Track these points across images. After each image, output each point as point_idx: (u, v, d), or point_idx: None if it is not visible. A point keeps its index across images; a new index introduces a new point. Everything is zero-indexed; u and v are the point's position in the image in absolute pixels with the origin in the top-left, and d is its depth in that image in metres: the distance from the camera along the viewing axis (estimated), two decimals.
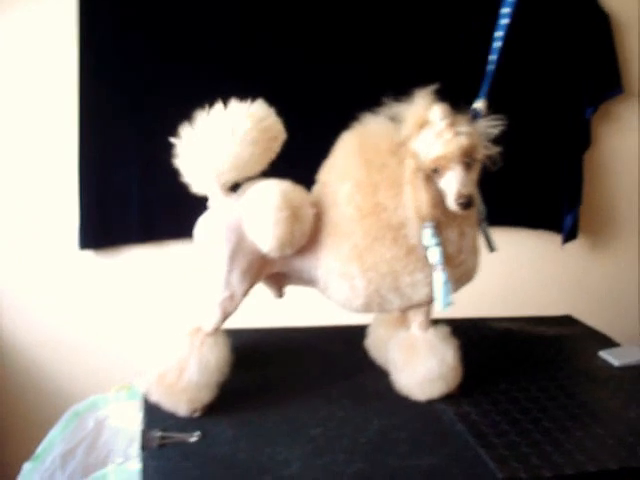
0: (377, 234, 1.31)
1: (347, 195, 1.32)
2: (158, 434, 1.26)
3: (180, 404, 1.32)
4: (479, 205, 1.40)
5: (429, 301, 1.40)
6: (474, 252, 1.42)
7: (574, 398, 1.50)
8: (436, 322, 1.47)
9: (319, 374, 1.58)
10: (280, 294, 1.48)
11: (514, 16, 1.38)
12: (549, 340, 1.84)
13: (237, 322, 1.39)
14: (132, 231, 2.22)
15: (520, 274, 2.50)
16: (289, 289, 1.50)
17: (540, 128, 2.38)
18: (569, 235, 2.49)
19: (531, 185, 2.43)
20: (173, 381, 1.30)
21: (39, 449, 1.55)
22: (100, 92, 2.11)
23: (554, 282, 2.62)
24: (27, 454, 1.57)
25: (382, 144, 1.32)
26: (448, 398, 1.45)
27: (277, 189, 1.28)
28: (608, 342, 1.84)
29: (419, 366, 1.41)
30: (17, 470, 1.54)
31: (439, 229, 1.33)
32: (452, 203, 1.28)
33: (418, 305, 1.41)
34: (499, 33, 1.38)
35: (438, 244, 1.32)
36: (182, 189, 1.38)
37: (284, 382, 1.53)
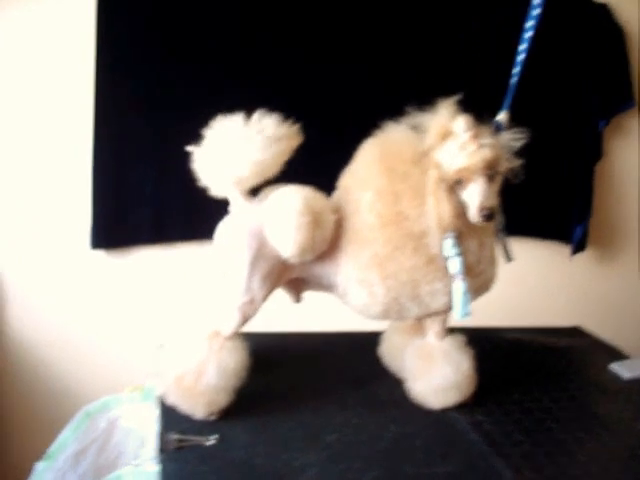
0: (398, 243, 1.32)
1: (369, 203, 1.33)
2: (175, 437, 1.27)
3: (197, 407, 1.33)
4: (498, 216, 1.41)
5: (447, 310, 1.41)
6: (492, 262, 1.43)
7: (586, 410, 1.51)
8: (451, 331, 1.47)
9: (333, 380, 1.59)
10: (298, 299, 1.49)
11: (537, 30, 1.39)
12: (559, 351, 1.85)
13: (251, 326, 1.40)
14: (144, 231, 2.22)
15: (528, 284, 2.51)
16: (304, 294, 1.51)
17: (553, 139, 2.39)
18: (578, 246, 2.50)
19: (542, 195, 2.44)
20: (191, 384, 1.31)
21: (51, 449, 1.55)
22: (116, 91, 2.11)
23: (562, 292, 2.62)
24: (37, 454, 1.57)
25: (405, 153, 1.33)
26: (462, 407, 1.45)
27: (299, 195, 1.29)
28: (617, 354, 1.85)
29: (435, 374, 1.42)
30: (26, 470, 1.54)
31: (460, 239, 1.34)
32: (474, 215, 1.29)
33: (435, 314, 1.42)
34: (523, 46, 1.39)
35: (459, 254, 1.33)
36: (196, 191, 1.38)
37: (298, 387, 1.54)
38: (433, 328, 1.45)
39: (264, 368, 1.39)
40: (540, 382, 1.63)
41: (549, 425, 1.42)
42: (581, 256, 2.56)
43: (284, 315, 1.71)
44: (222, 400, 1.33)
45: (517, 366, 1.72)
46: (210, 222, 1.42)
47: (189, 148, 1.33)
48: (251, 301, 1.34)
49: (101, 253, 2.21)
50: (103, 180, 2.14)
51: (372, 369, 1.62)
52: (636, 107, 2.49)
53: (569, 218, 2.50)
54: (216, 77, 2.15)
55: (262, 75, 2.17)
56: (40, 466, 1.52)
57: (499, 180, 1.32)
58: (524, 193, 2.34)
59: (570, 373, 1.71)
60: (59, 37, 2.09)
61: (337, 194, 1.42)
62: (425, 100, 1.34)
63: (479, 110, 1.32)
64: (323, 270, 1.39)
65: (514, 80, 1.40)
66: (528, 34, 1.39)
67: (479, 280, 1.41)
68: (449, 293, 1.37)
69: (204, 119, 1.33)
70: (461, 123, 1.29)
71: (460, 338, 1.46)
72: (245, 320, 1.35)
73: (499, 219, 1.42)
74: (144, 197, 2.18)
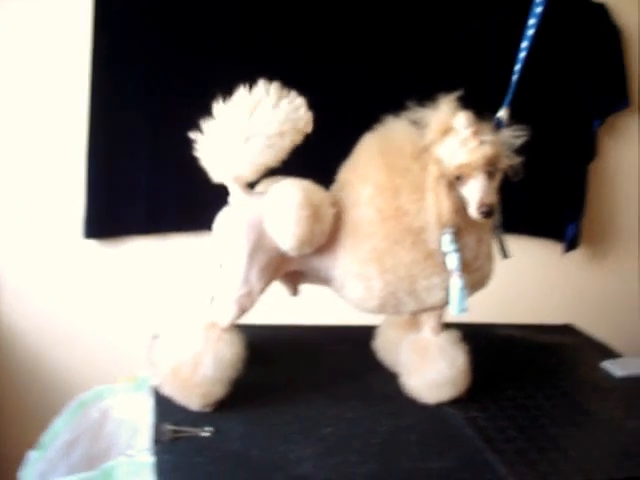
0: (397, 237, 1.32)
1: (368, 197, 1.33)
2: (170, 428, 1.27)
3: (193, 398, 1.32)
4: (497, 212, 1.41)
5: (443, 305, 1.42)
6: (489, 258, 1.44)
7: (579, 407, 1.51)
8: (446, 326, 1.48)
9: (328, 373, 1.59)
10: (295, 292, 1.49)
11: (541, 29, 1.39)
12: (552, 349, 1.86)
13: (246, 318, 1.39)
14: (138, 222, 2.21)
15: (520, 281, 2.52)
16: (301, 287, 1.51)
17: (547, 138, 2.40)
18: (570, 245, 2.52)
19: (535, 194, 2.45)
20: (187, 375, 1.30)
21: (44, 438, 1.55)
22: (111, 81, 2.11)
23: (554, 290, 2.64)
24: (30, 443, 1.56)
25: (406, 148, 1.33)
26: (456, 402, 1.46)
27: (299, 188, 1.29)
28: (609, 352, 1.86)
29: (430, 369, 1.42)
30: (19, 459, 1.53)
31: (458, 235, 1.34)
32: (474, 211, 1.29)
33: (431, 308, 1.42)
34: (525, 43, 1.40)
35: (457, 250, 1.33)
36: (190, 181, 1.38)
37: (293, 380, 1.54)
38: (429, 323, 1.46)
39: (259, 360, 1.38)
40: (533, 379, 1.64)
41: (542, 421, 1.43)
42: (573, 254, 2.57)
43: (279, 308, 1.71)
44: (218, 392, 1.33)
45: (510, 362, 1.73)
46: (204, 212, 1.41)
47: (192, 135, 1.31)
48: (249, 293, 1.34)
49: (94, 243, 2.20)
50: (96, 169, 2.13)
51: (367, 363, 1.62)
52: (630, 107, 2.50)
53: (562, 216, 2.51)
54: (209, 66, 2.15)
55: (259, 68, 2.15)
56: (32, 455, 1.51)
57: (499, 177, 1.32)
58: (517, 191, 2.37)
59: (563, 370, 1.72)
60: (56, 29, 2.09)
61: (336, 187, 1.42)
62: (425, 97, 1.34)
63: (479, 107, 1.33)
64: (321, 263, 1.39)
65: (515, 77, 1.41)
66: (530, 31, 1.39)
67: (476, 276, 1.41)
68: (446, 288, 1.37)
69: (199, 109, 1.31)
70: (462, 119, 1.29)
71: (455, 333, 1.47)
72: (242, 312, 1.35)
73: (496, 215, 1.43)
74: (138, 187, 2.17)
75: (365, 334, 1.66)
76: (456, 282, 1.35)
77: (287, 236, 1.28)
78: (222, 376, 1.32)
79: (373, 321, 1.62)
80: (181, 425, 1.28)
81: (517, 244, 2.45)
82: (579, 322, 2.10)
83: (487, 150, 1.27)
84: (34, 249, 2.18)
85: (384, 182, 1.33)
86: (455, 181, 1.31)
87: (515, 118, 1.39)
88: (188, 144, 1.33)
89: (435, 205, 1.30)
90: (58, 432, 1.58)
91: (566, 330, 2.04)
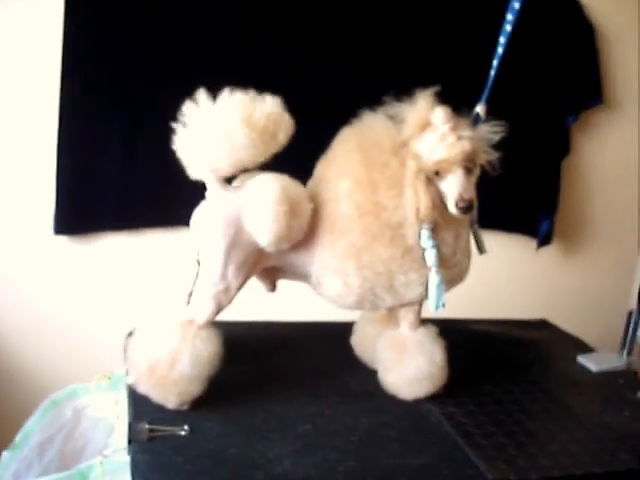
0: (375, 233, 1.32)
1: (346, 192, 1.33)
2: (146, 427, 1.25)
3: (170, 396, 1.30)
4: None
5: (421, 301, 1.42)
6: (467, 254, 1.44)
7: (556, 402, 1.52)
8: (423, 322, 1.47)
9: (305, 370, 1.58)
10: (273, 288, 1.48)
11: (517, 23, 1.39)
12: (528, 344, 1.87)
13: (222, 314, 1.38)
14: (111, 217, 2.19)
15: (494, 277, 2.52)
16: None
17: (521, 134, 2.40)
18: (544, 240, 2.53)
19: (509, 189, 2.45)
20: (164, 373, 1.28)
21: (17, 437, 1.52)
22: (82, 72, 2.08)
23: (528, 285, 2.65)
24: (3, 443, 1.54)
25: (384, 143, 1.32)
26: (433, 398, 1.45)
27: (276, 183, 1.28)
28: (584, 347, 1.87)
29: (408, 365, 1.42)
30: None
31: (436, 231, 1.34)
32: (453, 207, 1.29)
33: (409, 304, 1.42)
34: (502, 39, 1.39)
35: (434, 246, 1.33)
36: (166, 176, 1.36)
37: (270, 377, 1.52)
38: (406, 318, 1.45)
39: (235, 357, 1.37)
40: (510, 374, 1.64)
41: (520, 416, 1.43)
42: (547, 250, 2.59)
43: (255, 304, 1.69)
44: (195, 390, 1.31)
45: (487, 358, 1.74)
46: (180, 207, 1.40)
47: (173, 125, 1.29)
48: (226, 289, 1.32)
49: (65, 239, 2.17)
50: (67, 164, 2.10)
51: (344, 359, 1.61)
52: (604, 103, 2.52)
53: (536, 212, 2.52)
54: (183, 61, 2.13)
55: (232, 62, 2.15)
56: (5, 455, 1.49)
57: (477, 172, 1.32)
58: (491, 186, 2.38)
59: (539, 365, 1.74)
60: (24, 20, 2.05)
61: (313, 182, 1.41)
62: (402, 92, 1.34)
63: (455, 102, 1.33)
64: (298, 259, 1.38)
65: (493, 73, 1.40)
66: (508, 27, 1.39)
67: (454, 272, 1.41)
68: (424, 284, 1.37)
69: (174, 102, 1.29)
70: (440, 114, 1.29)
71: (433, 329, 1.47)
72: (220, 309, 1.33)
73: (474, 211, 1.43)
74: (110, 181, 2.15)
75: (342, 330, 1.65)
76: (434, 278, 1.35)
77: (264, 232, 1.27)
78: (199, 374, 1.30)
79: (350, 317, 1.62)
80: (158, 424, 1.26)
81: (491, 240, 2.46)
82: (553, 317, 2.11)
83: (465, 145, 1.26)
84: (3, 247, 2.14)
85: (362, 177, 1.32)
86: (433, 176, 1.30)
87: (490, 114, 1.39)
88: (163, 138, 1.31)
89: (413, 201, 1.30)
90: (31, 432, 1.55)
91: (541, 325, 2.06)
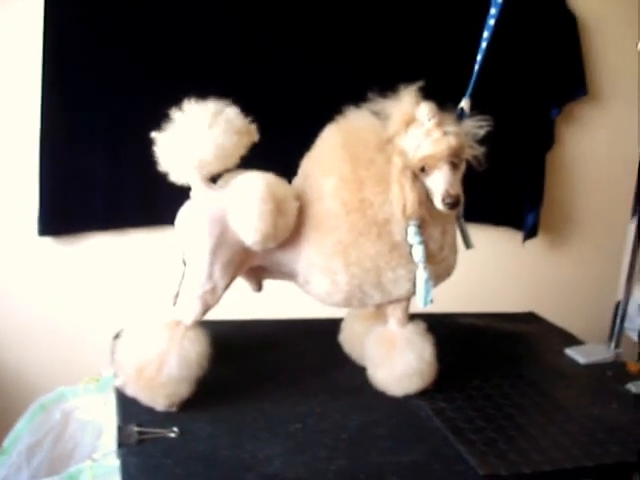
0: (362, 230, 1.31)
1: (332, 190, 1.32)
2: (135, 429, 1.24)
3: (158, 399, 1.30)
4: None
5: (409, 297, 1.41)
6: (453, 249, 1.44)
7: (545, 395, 1.52)
8: (412, 317, 1.47)
9: (294, 368, 1.57)
10: (259, 287, 1.47)
11: (500, 17, 1.38)
12: (516, 337, 1.87)
13: (208, 313, 1.37)
14: (95, 218, 2.17)
15: (481, 270, 2.53)
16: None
17: (505, 127, 2.41)
18: (530, 233, 2.54)
19: (494, 182, 2.45)
20: (152, 375, 1.27)
21: (5, 442, 1.51)
22: (64, 71, 2.06)
23: (514, 278, 2.66)
24: None
25: (369, 140, 1.32)
26: (423, 394, 1.46)
27: (261, 182, 1.27)
28: (571, 339, 1.88)
29: (397, 361, 1.42)
30: None
31: (423, 227, 1.34)
32: (439, 203, 1.29)
33: (397, 300, 1.42)
34: (486, 33, 1.39)
35: (421, 242, 1.33)
36: (151, 175, 1.34)
37: (259, 376, 1.52)
38: (395, 315, 1.45)
39: (223, 357, 1.36)
40: (499, 368, 1.64)
41: (509, 411, 1.43)
42: (533, 242, 2.59)
43: (241, 302, 1.69)
44: (184, 391, 1.30)
45: (475, 352, 1.74)
46: (166, 207, 1.39)
47: (153, 134, 1.29)
48: (213, 289, 1.31)
49: (49, 240, 2.16)
50: (50, 163, 2.09)
51: (332, 356, 1.61)
52: (588, 95, 2.52)
53: (521, 205, 2.53)
54: (165, 64, 2.12)
55: (213, 65, 2.14)
56: None
57: (462, 168, 1.32)
58: (476, 180, 2.39)
59: (528, 358, 1.74)
60: (4, 23, 2.03)
61: (298, 180, 1.40)
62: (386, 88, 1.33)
63: (440, 97, 1.32)
64: (285, 257, 1.37)
65: (477, 67, 1.40)
66: (491, 21, 1.38)
67: (441, 267, 1.41)
68: (412, 280, 1.37)
69: (158, 103, 1.29)
70: (424, 110, 1.29)
71: (421, 325, 1.46)
72: (206, 309, 1.33)
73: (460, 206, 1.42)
74: (95, 181, 2.13)
75: (330, 327, 1.65)
76: (422, 274, 1.34)
77: (250, 231, 1.26)
78: (188, 375, 1.30)
79: (337, 314, 1.61)
80: (147, 426, 1.25)
81: (477, 233, 2.47)
82: (541, 310, 2.11)
83: (451, 141, 1.26)
84: None
85: (348, 174, 1.31)
86: (419, 172, 1.30)
87: (474, 106, 1.39)
88: (147, 137, 1.31)
89: (400, 197, 1.29)
90: (19, 436, 1.54)
91: (529, 318, 2.06)
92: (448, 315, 1.97)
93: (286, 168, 1.38)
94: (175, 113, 1.28)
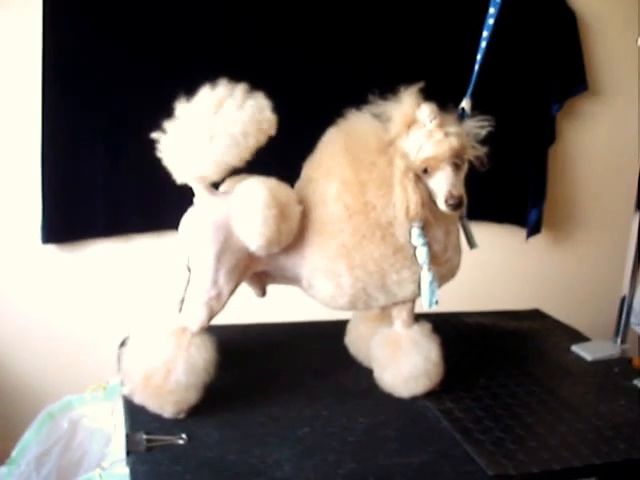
0: (366, 232, 1.31)
1: (335, 194, 1.32)
2: (144, 437, 1.24)
3: (166, 406, 1.30)
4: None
5: (414, 298, 1.41)
6: (457, 250, 1.44)
7: (552, 393, 1.52)
8: (417, 318, 1.47)
9: (300, 372, 1.57)
10: (263, 293, 1.47)
11: (499, 17, 1.38)
12: (522, 335, 1.87)
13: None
14: (98, 224, 2.18)
15: (486, 268, 2.53)
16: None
17: (507, 124, 2.40)
18: (533, 229, 2.54)
19: (496, 180, 2.45)
20: (159, 382, 1.27)
21: (14, 452, 1.52)
22: (65, 79, 2.07)
23: (519, 275, 2.66)
24: (3, 457, 1.53)
25: (371, 143, 1.32)
26: (430, 395, 1.45)
27: (264, 187, 1.27)
28: (577, 336, 1.87)
29: (404, 363, 1.42)
30: None
31: (426, 228, 1.34)
32: (442, 204, 1.29)
33: (402, 302, 1.42)
34: (485, 33, 1.39)
35: (425, 244, 1.33)
36: (152, 181, 1.35)
37: (265, 381, 1.52)
38: (400, 316, 1.45)
39: (229, 362, 1.36)
40: (505, 366, 1.64)
41: (517, 410, 1.43)
42: (537, 239, 2.59)
43: (246, 306, 1.69)
44: (191, 398, 1.31)
45: (481, 351, 1.74)
46: (168, 212, 1.39)
47: (154, 135, 1.28)
48: (218, 295, 1.31)
49: (53, 248, 2.16)
50: (52, 172, 2.10)
51: (338, 359, 1.61)
52: (588, 90, 2.52)
53: (524, 202, 2.53)
54: (166, 65, 2.12)
55: (216, 66, 2.13)
56: (2, 471, 1.48)
57: (465, 168, 1.32)
58: (479, 178, 2.39)
59: (534, 356, 1.74)
60: (5, 24, 2.03)
61: (301, 184, 1.40)
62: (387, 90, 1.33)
63: (441, 97, 1.32)
64: (288, 262, 1.37)
65: (477, 67, 1.40)
66: (490, 20, 1.38)
67: (445, 268, 1.41)
68: (416, 281, 1.37)
69: (157, 106, 1.28)
70: (426, 111, 1.29)
71: (427, 325, 1.46)
72: (212, 315, 1.33)
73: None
74: (97, 189, 2.14)
75: (335, 329, 1.65)
76: (426, 276, 1.34)
77: (254, 236, 1.26)
78: (195, 382, 1.30)
79: (342, 316, 1.61)
80: (155, 434, 1.25)
81: (481, 231, 2.47)
82: (546, 306, 2.11)
83: (453, 142, 1.26)
84: None
85: (350, 178, 1.31)
86: (422, 174, 1.30)
87: (475, 105, 1.39)
88: (147, 142, 1.30)
89: (403, 199, 1.29)
90: (28, 445, 1.54)
91: (535, 315, 2.06)
92: (453, 314, 1.97)
93: (288, 171, 1.38)
94: (176, 118, 1.27)
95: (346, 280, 1.35)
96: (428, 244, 1.34)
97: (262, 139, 1.29)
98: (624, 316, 1.80)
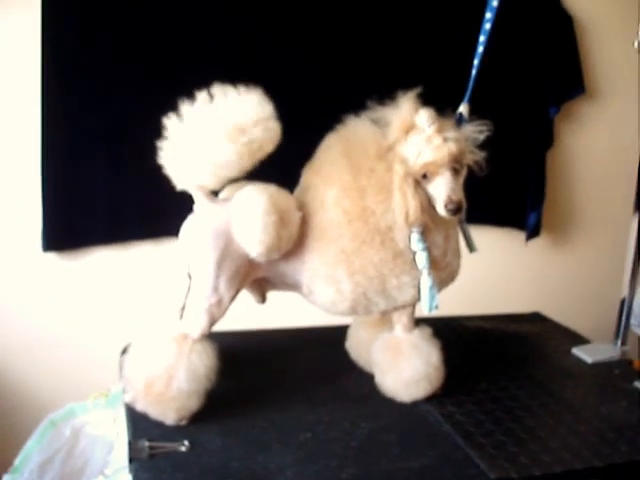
0: (365, 238, 1.32)
1: (334, 199, 1.32)
2: (146, 444, 1.24)
3: (168, 413, 1.30)
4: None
5: (414, 303, 1.42)
6: (457, 254, 1.44)
7: (553, 396, 1.53)
8: (417, 322, 1.47)
9: (301, 377, 1.58)
10: (263, 299, 1.48)
11: (496, 21, 1.39)
12: (522, 338, 1.88)
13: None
14: (99, 232, 2.18)
15: (485, 271, 2.53)
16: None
17: (505, 128, 2.41)
18: (532, 232, 2.54)
19: (495, 183, 2.45)
20: (161, 389, 1.28)
21: (17, 461, 1.52)
22: (64, 87, 2.06)
23: (519, 278, 2.66)
24: (6, 465, 1.53)
25: (370, 148, 1.32)
26: (431, 399, 1.46)
27: (264, 193, 1.28)
28: (578, 339, 1.88)
29: (405, 367, 1.42)
30: None
31: (426, 233, 1.34)
32: (442, 209, 1.29)
33: (403, 307, 1.42)
34: (482, 38, 1.40)
35: (424, 249, 1.33)
36: (152, 188, 1.35)
37: (266, 386, 1.52)
38: (401, 321, 1.45)
39: (230, 368, 1.36)
40: (506, 369, 1.65)
41: (518, 413, 1.44)
42: (536, 242, 2.60)
43: (246, 312, 1.69)
44: (193, 404, 1.31)
45: (482, 354, 1.74)
46: (169, 218, 1.39)
47: (155, 142, 1.29)
48: (219, 302, 1.32)
49: (54, 256, 2.16)
50: (53, 179, 2.09)
51: (339, 364, 1.61)
52: (585, 94, 2.53)
53: (523, 205, 2.53)
54: (166, 66, 2.12)
55: (223, 64, 2.14)
56: (6, 479, 1.48)
57: (464, 173, 1.33)
58: (477, 181, 2.40)
59: (534, 359, 1.74)
60: (3, 32, 2.03)
61: (300, 191, 1.41)
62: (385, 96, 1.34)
63: (439, 102, 1.33)
64: (288, 268, 1.37)
65: (474, 72, 1.40)
66: (487, 25, 1.39)
67: (445, 272, 1.42)
68: (416, 286, 1.37)
69: (158, 112, 1.29)
70: (424, 116, 1.29)
71: (427, 330, 1.47)
72: (213, 322, 1.33)
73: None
74: (97, 196, 2.14)
75: (335, 335, 1.65)
76: (426, 280, 1.35)
77: (254, 243, 1.26)
78: (197, 388, 1.30)
79: (343, 322, 1.62)
80: (157, 441, 1.26)
81: (480, 235, 2.47)
82: (545, 309, 2.12)
83: (452, 147, 1.27)
84: None
85: (349, 183, 1.32)
86: (421, 179, 1.31)
87: (473, 109, 1.39)
88: (147, 150, 1.30)
89: (402, 205, 1.30)
90: (30, 453, 1.55)
91: (535, 318, 2.06)
92: (454, 318, 1.98)
93: (287, 177, 1.39)
94: (176, 123, 1.27)
95: (346, 285, 1.35)
96: (428, 249, 1.35)
97: (268, 148, 1.29)
98: (624, 318, 1.81)
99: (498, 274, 2.63)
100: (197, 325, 1.32)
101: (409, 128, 1.30)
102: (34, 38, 2.00)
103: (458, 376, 1.55)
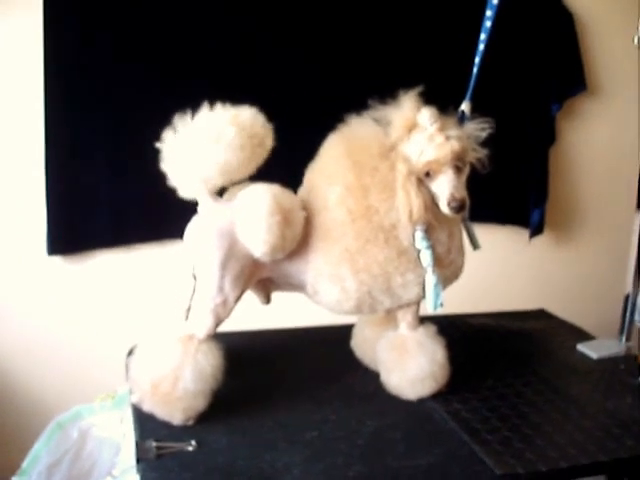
0: (369, 236, 1.32)
1: (338, 198, 1.33)
2: (154, 444, 1.25)
3: (175, 413, 1.31)
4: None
5: (418, 301, 1.42)
6: (461, 252, 1.45)
7: (559, 392, 1.53)
8: (422, 320, 1.48)
9: (306, 376, 1.58)
10: (267, 300, 1.48)
11: (496, 19, 1.39)
12: (527, 335, 1.88)
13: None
14: (103, 235, 2.18)
15: (490, 269, 2.53)
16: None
17: (507, 125, 2.41)
18: (536, 230, 2.54)
19: (498, 181, 2.45)
20: (168, 390, 1.28)
21: (25, 463, 1.53)
22: (67, 90, 2.07)
23: (523, 276, 2.66)
24: (11, 468, 1.54)
25: (373, 147, 1.33)
26: (437, 396, 1.46)
27: (268, 193, 1.28)
28: (583, 335, 1.88)
29: (410, 365, 1.42)
30: None
31: (430, 231, 1.35)
32: (445, 207, 1.30)
33: (407, 305, 1.42)
34: (483, 36, 1.40)
35: (429, 247, 1.34)
36: (155, 190, 1.36)
37: (272, 386, 1.53)
38: (405, 319, 1.45)
39: (236, 368, 1.37)
40: (511, 366, 1.65)
41: (524, 409, 1.44)
42: (540, 239, 2.60)
43: (251, 312, 1.70)
44: (200, 404, 1.31)
45: (487, 351, 1.74)
46: (172, 221, 1.39)
47: (157, 145, 1.30)
48: (224, 302, 1.32)
49: (59, 259, 2.17)
50: (56, 183, 2.10)
51: (345, 363, 1.62)
52: (587, 91, 2.53)
53: (526, 202, 2.53)
54: (168, 75, 2.12)
55: (224, 68, 2.14)
56: None
57: (466, 171, 1.33)
58: (480, 179, 2.40)
59: (539, 356, 1.74)
60: (5, 33, 2.04)
61: (304, 191, 1.41)
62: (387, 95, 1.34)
63: (440, 101, 1.33)
64: (292, 268, 1.38)
65: (475, 70, 1.41)
66: (488, 23, 1.39)
67: (449, 270, 1.42)
68: (421, 284, 1.38)
69: (160, 116, 1.30)
70: (426, 115, 1.30)
71: (432, 327, 1.47)
72: (219, 322, 1.34)
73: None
74: (100, 199, 2.14)
75: (340, 334, 1.66)
76: (430, 278, 1.35)
77: (259, 243, 1.27)
78: (203, 388, 1.30)
79: (347, 321, 1.62)
80: (165, 441, 1.26)
81: (484, 233, 2.47)
82: (549, 306, 2.12)
83: (454, 145, 1.27)
84: None
85: (353, 182, 1.32)
86: (424, 177, 1.31)
87: (474, 107, 1.40)
88: (150, 151, 1.31)
89: (406, 203, 1.30)
90: (38, 456, 1.55)
91: (540, 315, 2.06)
92: (458, 316, 1.98)
93: (291, 177, 1.39)
94: (180, 123, 1.28)
95: (351, 284, 1.35)
96: (432, 247, 1.35)
97: (264, 151, 1.31)
98: (628, 314, 1.81)
99: (502, 272, 2.63)
100: (203, 325, 1.33)
101: (411, 127, 1.31)
102: (36, 39, 2.00)
103: (463, 373, 1.55)
